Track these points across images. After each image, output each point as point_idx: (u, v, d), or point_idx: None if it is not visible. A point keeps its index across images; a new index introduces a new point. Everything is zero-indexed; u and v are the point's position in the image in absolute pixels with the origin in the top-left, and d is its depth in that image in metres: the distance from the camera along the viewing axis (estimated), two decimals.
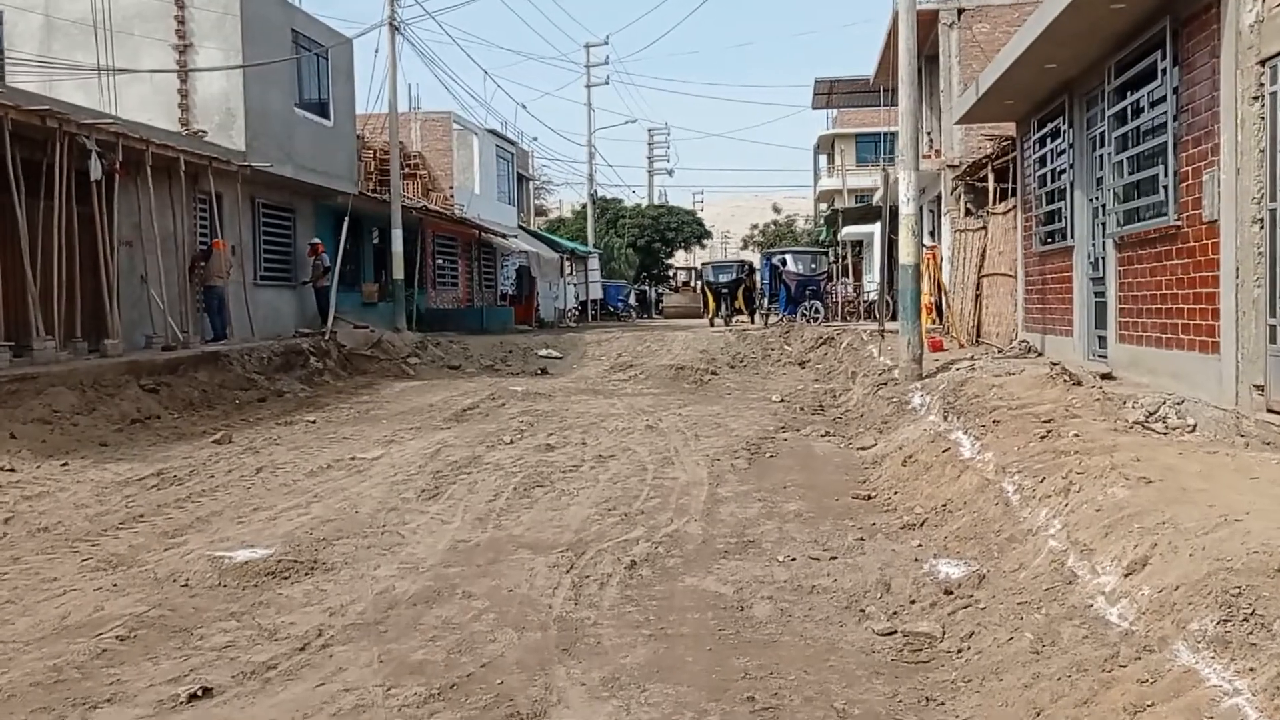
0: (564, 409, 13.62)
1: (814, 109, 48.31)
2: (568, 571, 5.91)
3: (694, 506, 7.57)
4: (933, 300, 18.90)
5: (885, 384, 12.58)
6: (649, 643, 4.74)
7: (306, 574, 5.81)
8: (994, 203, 16.32)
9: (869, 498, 7.85)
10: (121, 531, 6.97)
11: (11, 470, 8.99)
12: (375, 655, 4.55)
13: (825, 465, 9.26)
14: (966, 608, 4.96)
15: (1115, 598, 4.28)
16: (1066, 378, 9.01)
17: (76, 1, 16.87)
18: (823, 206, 59.95)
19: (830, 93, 42.94)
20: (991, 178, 16.64)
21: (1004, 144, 15.29)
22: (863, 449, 9.85)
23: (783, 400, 14.29)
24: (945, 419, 9.25)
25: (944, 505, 7.01)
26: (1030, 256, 12.83)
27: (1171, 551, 4.23)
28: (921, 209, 24.01)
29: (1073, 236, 11.00)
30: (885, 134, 50.90)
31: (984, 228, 16.43)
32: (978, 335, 16.56)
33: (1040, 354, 12.26)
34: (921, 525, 6.79)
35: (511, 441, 10.69)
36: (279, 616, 5.09)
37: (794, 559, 6.17)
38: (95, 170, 13.20)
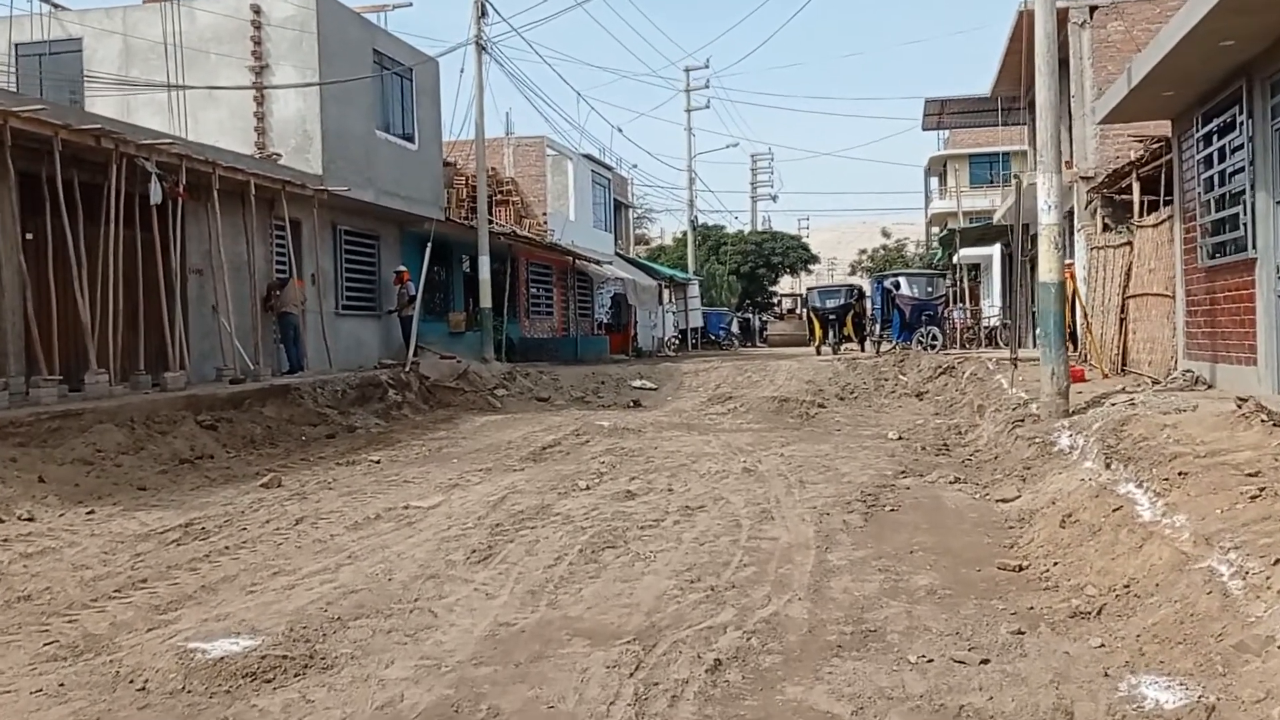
0: (652, 447, 12.25)
1: (924, 130, 46.19)
2: (631, 674, 4.52)
3: (798, 578, 6.10)
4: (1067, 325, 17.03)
5: (1022, 421, 10.88)
6: None
7: (296, 675, 4.54)
8: (1141, 215, 14.45)
9: (1019, 569, 6.25)
10: (111, 602, 5.84)
11: (29, 519, 8.04)
12: None
13: (959, 522, 7.67)
14: None
15: None
16: (1264, 417, 7.27)
17: (154, 25, 16.38)
18: (935, 230, 57.65)
19: (941, 113, 40.85)
20: (1136, 187, 14.77)
21: (1155, 146, 13.44)
22: (1003, 501, 8.22)
23: (900, 438, 12.66)
24: (1107, 467, 7.59)
25: (1126, 586, 5.40)
26: (1194, 273, 11.01)
27: None
28: None
29: (1254, 247, 9.21)
30: (1002, 153, 48.61)
31: (1129, 243, 14.55)
32: (1123, 364, 14.65)
33: (1210, 386, 10.42)
34: (1098, 613, 5.20)
35: (588, 487, 9.37)
36: None
37: (930, 660, 4.66)
38: (155, 194, 12.45)
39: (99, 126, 11.80)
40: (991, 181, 52.54)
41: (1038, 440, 9.69)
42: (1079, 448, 8.72)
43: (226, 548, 7.17)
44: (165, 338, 13.13)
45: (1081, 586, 5.65)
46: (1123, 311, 14.72)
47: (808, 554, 6.68)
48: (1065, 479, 7.94)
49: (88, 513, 8.36)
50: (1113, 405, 9.73)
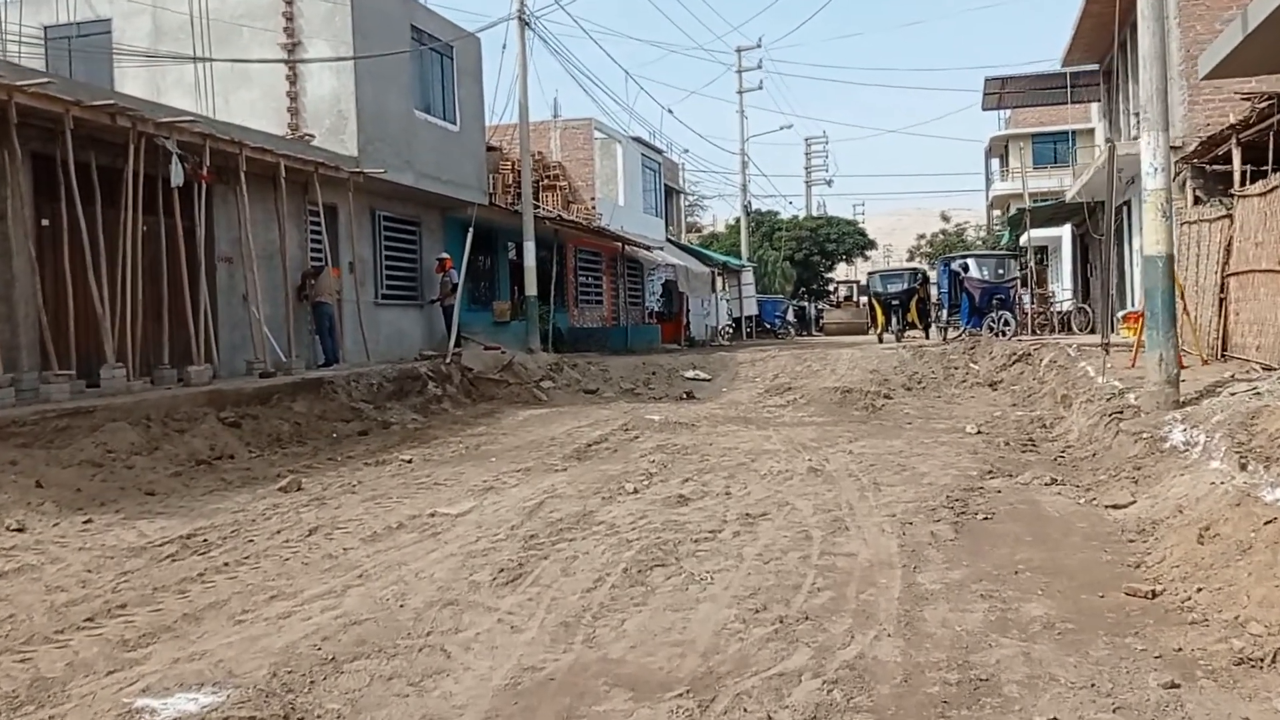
0: (706, 443, 11.26)
1: (984, 110, 44.34)
2: None
3: (884, 606, 5.10)
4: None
5: (1121, 413, 9.72)
6: None
7: None
8: (1242, 184, 13.13)
9: (1152, 595, 5.17)
10: (79, 634, 5.02)
11: (19, 529, 7.29)
12: None
13: (1067, 534, 6.58)
14: None
15: None
16: None
17: (183, 2, 15.66)
18: (996, 213, 55.77)
19: (1002, 91, 39.10)
20: (1237, 154, 13.44)
21: (1263, 106, 12.12)
22: (1115, 508, 7.11)
23: (979, 432, 11.53)
24: (1243, 469, 6.46)
25: None
26: None
27: None
28: (1130, 202, 20.64)
29: None
30: (1071, 131, 46.65)
31: (1228, 215, 13.24)
32: (1223, 348, 13.35)
33: None
34: (1273, 661, 4.13)
35: (636, 490, 8.41)
36: None
37: None
38: (176, 175, 11.70)
39: (113, 103, 11.05)
40: (1056, 161, 50.61)
41: (1145, 435, 8.53)
42: (1199, 444, 7.57)
43: (225, 564, 6.33)
44: (190, 329, 12.39)
45: (1241, 622, 4.58)
46: (1222, 291, 13.42)
47: (893, 574, 5.66)
48: (1190, 482, 6.82)
49: (85, 521, 7.60)
50: (1232, 395, 8.55)
